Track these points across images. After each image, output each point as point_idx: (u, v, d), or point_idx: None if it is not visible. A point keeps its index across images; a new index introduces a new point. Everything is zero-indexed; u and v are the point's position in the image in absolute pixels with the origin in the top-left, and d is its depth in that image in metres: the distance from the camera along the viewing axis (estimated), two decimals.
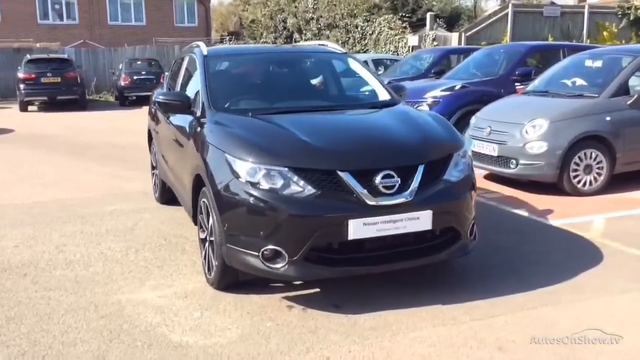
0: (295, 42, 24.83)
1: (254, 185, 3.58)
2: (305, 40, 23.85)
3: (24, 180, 8.08)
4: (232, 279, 3.95)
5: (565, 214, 5.91)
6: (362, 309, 3.74)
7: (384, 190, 3.58)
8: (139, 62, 21.78)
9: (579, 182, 6.54)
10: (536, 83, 7.78)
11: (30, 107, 19.20)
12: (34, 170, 8.84)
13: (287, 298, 3.93)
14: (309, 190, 3.53)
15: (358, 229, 3.52)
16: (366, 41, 20.36)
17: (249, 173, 3.62)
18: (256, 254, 3.57)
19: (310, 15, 23.16)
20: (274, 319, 3.64)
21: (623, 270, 4.39)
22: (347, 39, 21.21)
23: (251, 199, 3.56)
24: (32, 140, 12.27)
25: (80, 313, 3.76)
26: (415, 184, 3.65)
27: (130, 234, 5.45)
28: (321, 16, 22.47)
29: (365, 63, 13.35)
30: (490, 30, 17.26)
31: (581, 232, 5.30)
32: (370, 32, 20.15)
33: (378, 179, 3.57)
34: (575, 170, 6.52)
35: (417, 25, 25.52)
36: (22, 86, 18.42)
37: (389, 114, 4.43)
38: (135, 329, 3.53)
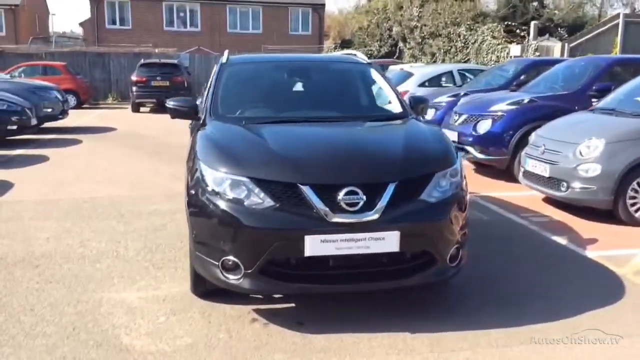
0: (400, 50, 24.63)
1: (220, 194, 3.56)
2: (409, 49, 23.57)
3: (94, 176, 8.65)
4: (204, 287, 3.97)
5: (610, 245, 5.36)
6: (325, 329, 3.61)
7: (346, 207, 3.44)
8: None
9: (636, 210, 5.90)
10: (607, 100, 7.11)
11: (142, 109, 20.55)
12: (108, 167, 9.44)
13: (257, 311, 3.88)
14: (269, 202, 3.47)
15: (315, 245, 3.40)
16: (468, 50, 19.71)
17: (215, 182, 3.62)
18: (216, 263, 3.56)
19: (415, 23, 22.82)
20: (231, 331, 3.61)
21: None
22: (449, 47, 20.66)
23: (214, 208, 3.56)
24: (125, 139, 13.12)
25: (60, 307, 3.94)
26: (383, 202, 3.47)
27: (153, 234, 5.65)
28: (425, 24, 22.07)
29: (450, 74, 13.07)
30: (597, 41, 16.02)
31: (615, 266, 4.77)
32: (473, 41, 19.48)
33: (341, 195, 3.43)
34: (633, 197, 5.89)
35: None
36: (134, 89, 19.79)
37: (385, 129, 4.25)
38: (97, 328, 3.64)
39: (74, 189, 7.73)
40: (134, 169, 9.30)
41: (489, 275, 4.60)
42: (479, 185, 7.88)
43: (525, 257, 5.06)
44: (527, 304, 4.06)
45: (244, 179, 3.54)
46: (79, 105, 20.86)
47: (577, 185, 6.02)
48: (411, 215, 3.55)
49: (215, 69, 5.17)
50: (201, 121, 4.53)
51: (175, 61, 21.33)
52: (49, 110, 14.07)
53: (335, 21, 52.00)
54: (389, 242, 3.48)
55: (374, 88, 5.09)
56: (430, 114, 10.52)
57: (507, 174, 8.24)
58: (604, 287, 4.36)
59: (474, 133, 8.27)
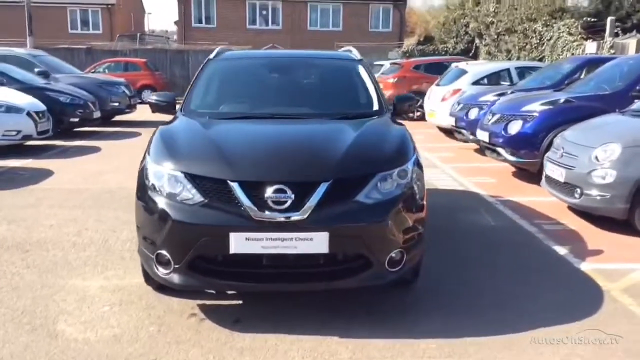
0: (477, 47, 23.89)
1: (157, 189, 3.61)
2: (485, 45, 22.81)
3: (133, 168, 8.98)
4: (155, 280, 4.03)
5: (613, 257, 4.96)
6: (258, 329, 3.57)
7: (273, 206, 3.39)
8: None
9: None
10: None
11: None
12: None
13: (202, 306, 3.89)
14: (199, 198, 3.47)
15: (240, 243, 3.37)
16: (543, 47, 18.77)
17: (155, 176, 3.67)
18: (152, 257, 3.62)
19: (491, 19, 22.02)
20: (162, 325, 3.65)
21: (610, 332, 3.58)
22: (524, 44, 19.76)
23: (151, 202, 3.61)
24: None
25: (21, 292, 4.13)
26: (312, 202, 3.38)
27: None
28: (500, 20, 21.24)
29: (507, 72, 12.51)
30: None
31: (606, 281, 4.41)
32: (548, 37, 18.53)
33: (268, 193, 3.38)
34: None
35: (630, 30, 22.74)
36: None
37: (341, 127, 4.12)
38: (43, 313, 3.78)
39: (107, 179, 8.08)
40: None
41: (458, 283, 4.39)
42: (507, 189, 7.52)
43: (508, 266, 4.77)
44: (479, 315, 3.84)
45: (179, 174, 3.56)
46: None
47: (591, 192, 5.59)
48: (342, 217, 3.44)
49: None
50: (173, 116, 4.62)
51: None
52: (116, 104, 14.83)
53: (422, 18, 51.22)
54: (317, 243, 3.39)
55: (357, 85, 4.96)
56: (473, 113, 10.14)
57: (540, 178, 7.79)
58: (576, 303, 4.03)
59: (504, 134, 7.88)
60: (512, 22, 20.42)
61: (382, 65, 19.70)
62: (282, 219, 3.38)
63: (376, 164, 3.65)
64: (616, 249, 5.18)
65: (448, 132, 12.54)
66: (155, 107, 4.83)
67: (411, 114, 16.37)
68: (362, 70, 5.07)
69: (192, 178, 3.52)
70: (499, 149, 7.99)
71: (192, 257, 3.46)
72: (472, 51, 23.81)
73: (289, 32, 34.22)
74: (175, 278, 3.53)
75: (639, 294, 4.16)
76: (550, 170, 6.27)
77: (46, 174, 8.38)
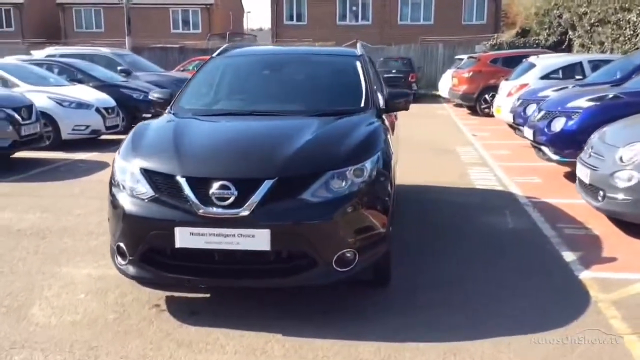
0: (570, 40, 22.61)
1: (119, 183, 3.78)
2: (578, 37, 21.54)
3: None
4: None
5: (620, 267, 4.61)
6: (208, 322, 3.63)
7: (217, 202, 3.45)
8: (392, 61, 22.47)
9: None
10: None
11: None
12: None
13: (170, 297, 4.00)
14: (150, 192, 3.59)
15: (185, 237, 3.46)
16: (637, 38, 17.41)
17: (119, 170, 3.84)
18: (114, 248, 3.80)
19: (584, 9, 20.73)
20: (123, 313, 3.79)
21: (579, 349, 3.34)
22: (618, 36, 18.43)
23: (112, 196, 3.79)
24: None
25: (17, 276, 4.43)
26: (255, 199, 3.40)
27: None
28: (593, 11, 19.94)
29: (579, 65, 11.77)
30: None
31: (600, 291, 4.09)
32: None
33: (213, 189, 3.44)
34: None
35: None
36: None
37: (310, 124, 4.06)
38: (23, 297, 4.04)
39: None
40: None
41: (433, 286, 4.24)
42: (549, 190, 7.12)
43: (501, 270, 4.55)
44: (444, 318, 3.71)
45: (136, 169, 3.71)
46: None
47: (612, 194, 5.19)
48: (285, 214, 3.44)
49: None
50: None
51: None
52: None
53: (523, 9, 49.03)
54: (259, 240, 3.41)
55: (348, 81, 4.89)
56: (531, 109, 9.62)
57: None
58: (552, 313, 3.77)
59: (547, 131, 7.44)
60: (605, 13, 19.10)
61: (461, 59, 19.13)
62: (225, 215, 3.43)
63: (327, 162, 3.60)
64: (633, 258, 4.78)
65: (517, 129, 12.01)
66: (155, 104, 5.03)
67: (486, 110, 15.87)
68: (358, 66, 4.99)
69: (147, 173, 3.65)
70: (543, 148, 7.57)
71: (144, 250, 3.59)
72: (565, 43, 22.53)
73: (379, 27, 33.96)
74: (130, 269, 3.68)
75: (629, 307, 3.83)
76: (579, 171, 5.87)
77: (102, 166, 8.88)
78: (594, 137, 5.96)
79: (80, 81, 12.77)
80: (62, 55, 15.85)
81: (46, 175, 8.34)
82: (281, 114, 4.44)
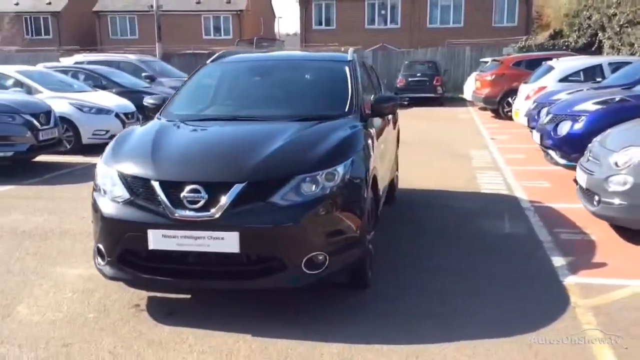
0: (600, 41, 22.15)
1: (99, 186, 3.91)
2: (608, 38, 21.10)
3: None
4: None
5: (609, 273, 4.55)
6: (183, 322, 3.72)
7: (188, 205, 3.53)
8: (417, 64, 22.36)
9: None
10: None
11: None
12: None
13: (152, 298, 4.11)
14: (126, 195, 3.71)
15: (157, 239, 3.55)
16: None
17: (100, 174, 3.97)
18: (95, 249, 3.93)
19: (613, 10, 20.30)
20: (102, 312, 3.91)
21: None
22: None
23: (94, 199, 3.92)
24: None
25: (12, 275, 4.60)
26: (225, 202, 3.48)
27: None
28: (622, 12, 19.51)
29: (599, 67, 11.55)
30: None
31: (581, 297, 4.05)
32: None
33: (184, 193, 3.53)
34: None
35: None
36: None
37: (286, 129, 4.11)
38: (13, 296, 4.20)
39: None
40: None
41: (419, 291, 4.24)
42: (555, 195, 7.02)
43: (483, 276, 4.52)
44: (414, 322, 3.72)
45: (115, 173, 3.83)
46: None
47: (607, 199, 5.11)
48: (254, 218, 3.50)
49: None
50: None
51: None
52: None
53: (557, 10, 48.18)
54: (228, 242, 3.49)
55: (334, 86, 4.92)
56: (544, 112, 9.49)
57: None
58: (524, 319, 3.74)
59: (553, 135, 7.34)
60: (635, 13, 18.68)
61: (486, 62, 18.94)
62: (195, 218, 3.52)
63: (297, 167, 3.64)
64: (624, 264, 4.71)
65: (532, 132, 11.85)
66: (149, 110, 5.16)
67: (509, 113, 15.66)
68: (346, 72, 5.02)
69: (123, 177, 3.77)
70: (550, 151, 7.47)
71: (120, 251, 3.71)
72: (595, 45, 22.08)
73: (408, 30, 33.80)
74: (108, 270, 3.79)
75: (607, 313, 3.78)
76: (579, 175, 5.79)
77: None
78: (595, 142, 5.87)
79: (104, 87, 13.12)
80: (89, 62, 16.29)
81: (61, 179, 8.61)
82: (263, 119, 4.50)
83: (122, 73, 14.45)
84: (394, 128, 6.58)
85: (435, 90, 21.15)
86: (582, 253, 4.98)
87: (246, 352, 3.37)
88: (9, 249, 5.30)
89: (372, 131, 4.68)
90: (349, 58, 5.27)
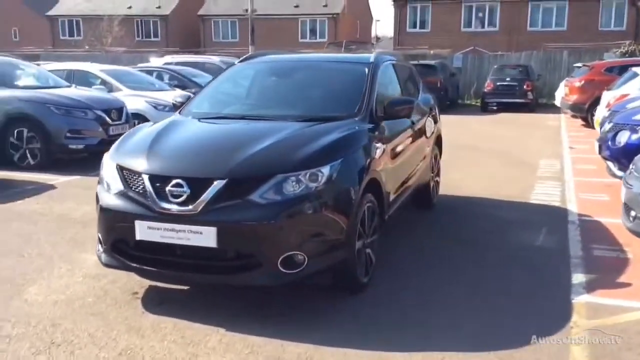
0: None
1: (102, 179, 4.13)
2: None
3: None
4: None
5: (629, 294, 4.19)
6: (169, 313, 3.85)
7: (171, 198, 3.66)
8: (507, 69, 21.54)
9: None
10: None
11: None
12: None
13: (152, 287, 4.27)
14: (120, 187, 3.90)
15: (143, 231, 3.70)
16: None
17: (103, 167, 4.19)
18: (97, 238, 4.15)
19: None
20: (101, 297, 4.12)
21: None
22: None
23: (97, 191, 4.15)
24: None
25: (41, 258, 4.92)
26: (205, 197, 3.57)
27: None
28: None
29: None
30: None
31: (583, 317, 3.79)
32: None
33: (169, 187, 3.67)
34: None
35: None
36: None
37: (282, 128, 4.15)
38: (32, 276, 4.49)
39: None
40: None
41: (418, 298, 4.14)
42: (609, 210, 6.52)
43: (494, 289, 4.33)
44: (395, 331, 3.64)
45: (114, 165, 4.04)
46: None
47: None
48: (231, 214, 3.57)
49: None
50: None
51: (433, 62, 21.47)
52: None
53: None
54: (205, 237, 3.58)
55: (350, 88, 4.86)
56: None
57: None
58: (515, 335, 3.55)
59: (611, 145, 6.86)
60: None
61: (579, 67, 17.93)
62: (177, 211, 3.63)
63: (278, 166, 3.67)
64: None
65: None
66: (176, 107, 5.37)
67: (591, 121, 14.77)
68: (365, 74, 4.95)
69: (121, 170, 3.96)
70: (608, 163, 6.98)
71: (113, 240, 3.90)
72: None
73: (506, 33, 32.64)
74: (103, 257, 4.01)
75: (603, 335, 3.52)
76: (622, 189, 5.38)
77: None
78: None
79: (184, 87, 13.73)
80: (177, 63, 17.10)
81: None
82: (269, 119, 4.56)
83: (203, 74, 15.04)
84: (432, 131, 6.40)
85: (526, 96, 20.27)
86: (608, 271, 4.64)
87: (213, 345, 3.44)
88: (49, 233, 5.68)
89: (383, 133, 4.61)
90: (371, 60, 5.21)
